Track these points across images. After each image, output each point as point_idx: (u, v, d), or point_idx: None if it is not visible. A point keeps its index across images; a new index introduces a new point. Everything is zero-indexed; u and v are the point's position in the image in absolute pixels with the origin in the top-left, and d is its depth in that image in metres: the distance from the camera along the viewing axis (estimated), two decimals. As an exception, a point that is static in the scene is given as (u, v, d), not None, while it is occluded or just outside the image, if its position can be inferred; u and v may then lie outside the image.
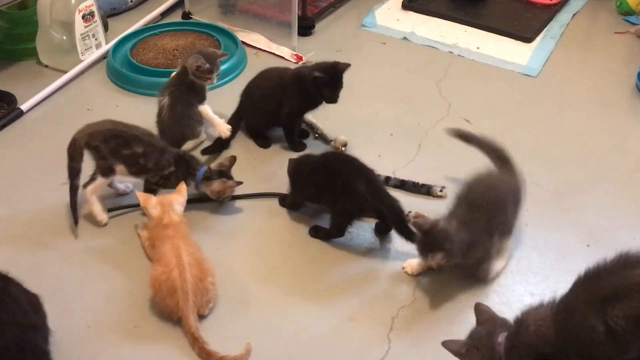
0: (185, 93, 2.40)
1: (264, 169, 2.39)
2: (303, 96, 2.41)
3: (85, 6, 2.90)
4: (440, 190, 2.30)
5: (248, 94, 2.55)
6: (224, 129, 2.42)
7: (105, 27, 3.10)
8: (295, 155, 2.33)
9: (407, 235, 2.03)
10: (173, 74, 2.53)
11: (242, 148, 2.51)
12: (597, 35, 3.32)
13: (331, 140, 2.53)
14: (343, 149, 2.48)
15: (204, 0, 3.38)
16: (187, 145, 2.45)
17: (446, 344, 1.62)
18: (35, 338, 1.66)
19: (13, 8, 3.00)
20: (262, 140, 2.55)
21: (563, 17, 3.40)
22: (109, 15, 3.26)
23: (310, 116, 2.58)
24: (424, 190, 2.31)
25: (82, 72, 2.93)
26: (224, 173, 2.21)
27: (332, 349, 1.83)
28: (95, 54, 2.99)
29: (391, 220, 2.07)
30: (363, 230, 2.18)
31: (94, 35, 2.98)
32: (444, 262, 1.89)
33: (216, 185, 2.19)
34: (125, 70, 2.87)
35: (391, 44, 3.22)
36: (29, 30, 2.97)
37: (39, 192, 2.31)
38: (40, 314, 1.73)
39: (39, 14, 2.87)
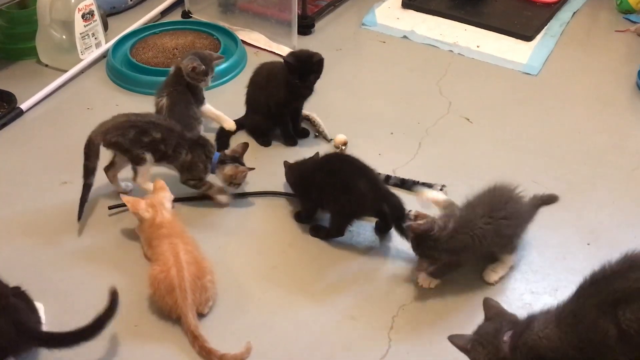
0: (184, 93, 2.40)
1: (265, 168, 2.39)
2: (285, 86, 2.41)
3: (85, 5, 2.90)
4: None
5: (247, 92, 2.57)
6: (231, 124, 2.48)
7: (105, 26, 3.10)
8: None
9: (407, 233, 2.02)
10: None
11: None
12: (597, 34, 3.32)
13: (331, 139, 2.53)
14: (343, 147, 2.48)
15: (204, -1, 3.39)
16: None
17: (452, 339, 1.61)
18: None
19: (13, 7, 3.01)
20: (263, 138, 2.55)
21: (563, 15, 3.40)
22: (108, 14, 3.27)
23: (315, 114, 2.59)
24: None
25: (82, 72, 2.93)
26: (237, 159, 2.22)
27: (333, 348, 1.82)
28: (95, 53, 2.99)
29: (392, 217, 2.07)
30: (363, 229, 2.18)
31: (93, 35, 2.98)
32: (431, 269, 1.93)
33: (229, 169, 2.20)
34: (125, 69, 2.87)
35: (391, 43, 3.22)
36: (28, 29, 2.97)
37: (39, 192, 2.31)
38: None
39: (39, 13, 2.88)
